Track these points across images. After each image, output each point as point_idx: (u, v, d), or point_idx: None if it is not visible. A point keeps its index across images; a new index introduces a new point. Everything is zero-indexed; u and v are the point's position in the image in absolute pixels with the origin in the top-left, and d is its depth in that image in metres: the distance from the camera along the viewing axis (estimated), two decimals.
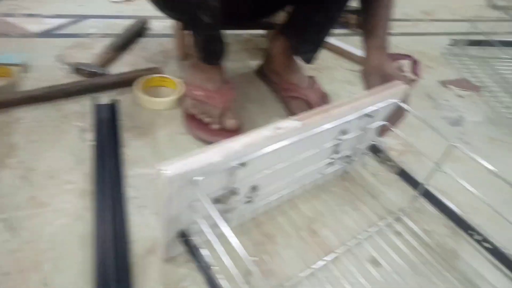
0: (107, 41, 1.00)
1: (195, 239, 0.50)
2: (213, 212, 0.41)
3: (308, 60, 0.89)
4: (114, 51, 0.95)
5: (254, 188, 0.55)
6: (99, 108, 0.79)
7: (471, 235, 0.59)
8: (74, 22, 1.07)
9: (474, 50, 1.24)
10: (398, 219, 0.66)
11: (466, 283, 0.59)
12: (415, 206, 0.69)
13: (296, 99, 0.87)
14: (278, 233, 0.62)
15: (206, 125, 0.78)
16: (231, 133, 0.77)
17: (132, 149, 0.73)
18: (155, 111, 0.82)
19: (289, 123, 0.50)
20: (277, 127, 0.49)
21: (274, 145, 0.49)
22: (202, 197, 0.43)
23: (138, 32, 1.05)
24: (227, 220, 0.55)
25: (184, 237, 0.51)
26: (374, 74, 0.71)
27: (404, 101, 0.66)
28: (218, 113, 0.78)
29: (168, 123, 0.80)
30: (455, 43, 1.26)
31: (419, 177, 0.67)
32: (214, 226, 0.43)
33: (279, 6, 0.94)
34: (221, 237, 0.42)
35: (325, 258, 0.58)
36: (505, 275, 0.57)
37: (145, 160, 0.71)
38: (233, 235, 0.39)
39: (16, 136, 0.71)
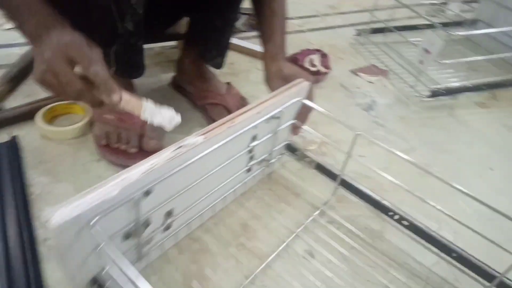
0: (1, 73, 0.91)
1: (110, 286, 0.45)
2: (119, 258, 0.36)
3: (218, 65, 0.89)
4: (8, 82, 0.87)
5: (169, 214, 0.52)
6: None
7: (391, 216, 0.62)
8: None
9: (378, 38, 1.32)
10: (323, 213, 0.68)
11: (395, 264, 0.61)
12: (337, 197, 0.70)
13: (215, 106, 0.86)
14: (205, 255, 0.59)
15: (123, 151, 0.74)
16: (150, 154, 0.74)
17: (40, 186, 0.67)
18: (63, 142, 0.76)
19: (191, 140, 0.48)
20: (178, 146, 0.47)
21: (178, 167, 0.46)
22: (104, 241, 0.38)
23: None
24: (145, 254, 0.52)
25: (97, 284, 0.46)
26: (276, 79, 0.72)
27: (308, 97, 0.67)
28: (135, 135, 0.74)
29: (79, 152, 0.75)
30: (360, 33, 1.33)
31: (338, 167, 0.68)
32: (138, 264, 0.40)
33: (176, 17, 0.92)
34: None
35: (256, 271, 0.57)
36: (426, 247, 0.60)
37: (57, 196, 0.66)
38: (144, 281, 0.35)
39: None
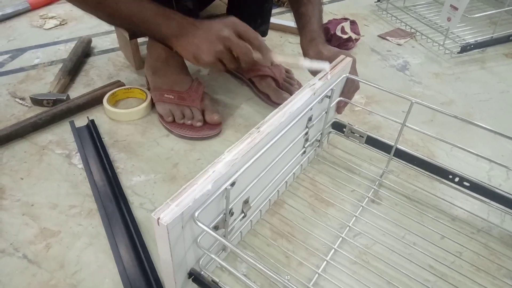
0: (56, 68, 0.97)
1: (208, 276, 0.49)
2: (224, 241, 0.40)
3: (264, 33, 0.93)
4: (67, 75, 0.93)
5: (246, 202, 0.55)
6: (78, 130, 0.78)
7: (451, 180, 0.65)
8: (13, 58, 1.02)
9: (399, 2, 1.35)
10: (381, 185, 0.70)
11: (467, 227, 0.67)
12: (392, 167, 0.73)
13: (263, 78, 0.90)
14: (283, 235, 0.61)
15: (189, 125, 0.79)
16: (215, 126, 0.80)
17: (123, 162, 0.73)
18: (130, 123, 0.82)
19: (269, 121, 0.53)
20: (255, 131, 0.51)
21: (256, 154, 0.49)
22: (207, 229, 0.41)
23: (84, 52, 1.03)
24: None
25: (195, 277, 0.49)
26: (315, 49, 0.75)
27: (352, 73, 0.70)
28: (197, 111, 0.80)
29: (148, 130, 0.81)
30: None
31: (387, 137, 0.72)
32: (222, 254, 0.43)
33: None
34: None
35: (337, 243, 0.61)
36: (491, 205, 0.63)
37: (140, 168, 0.72)
38: (252, 260, 0.39)
39: (1, 179, 0.69)
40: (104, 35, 1.15)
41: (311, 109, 0.61)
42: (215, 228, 0.50)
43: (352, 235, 0.62)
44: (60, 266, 0.56)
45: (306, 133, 0.65)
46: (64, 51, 1.06)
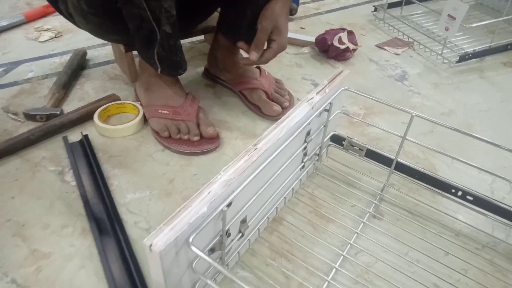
0: (50, 81, 0.95)
1: None
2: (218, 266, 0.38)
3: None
4: (61, 89, 0.91)
5: (243, 221, 0.54)
6: (71, 146, 0.76)
7: (454, 194, 0.63)
8: (7, 71, 1.01)
9: (396, 11, 1.35)
10: (382, 199, 0.69)
11: (472, 244, 0.65)
12: (393, 181, 0.72)
13: (253, 90, 0.89)
14: (277, 256, 0.59)
15: (186, 140, 0.78)
16: (213, 140, 0.79)
17: (117, 178, 0.71)
18: (124, 138, 0.81)
19: (267, 138, 0.51)
20: (254, 146, 0.50)
21: (253, 173, 0.48)
22: (202, 254, 0.39)
23: (79, 65, 1.02)
24: (226, 265, 0.54)
25: None
26: (270, 20, 0.75)
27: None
28: (193, 125, 0.79)
29: (143, 145, 0.79)
30: (377, 8, 1.36)
31: (387, 149, 0.70)
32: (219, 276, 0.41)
33: (209, 10, 0.96)
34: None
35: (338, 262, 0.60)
36: (496, 220, 0.62)
37: (135, 185, 0.70)
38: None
39: None
40: (100, 47, 1.14)
41: (309, 123, 0.60)
42: (211, 250, 0.48)
43: (354, 253, 0.60)
44: None
45: (305, 148, 0.64)
46: (59, 63, 1.05)
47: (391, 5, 1.37)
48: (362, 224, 0.64)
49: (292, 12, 1.35)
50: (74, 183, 0.70)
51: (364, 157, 0.71)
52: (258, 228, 0.59)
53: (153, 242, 0.38)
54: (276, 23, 0.76)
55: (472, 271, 0.58)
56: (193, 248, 0.40)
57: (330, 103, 0.63)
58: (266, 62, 0.80)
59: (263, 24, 0.75)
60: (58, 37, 1.18)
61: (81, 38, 1.17)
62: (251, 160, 0.48)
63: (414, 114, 0.61)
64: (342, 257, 0.58)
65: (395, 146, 0.80)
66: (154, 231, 0.39)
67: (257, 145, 0.51)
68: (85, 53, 1.06)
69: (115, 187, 0.70)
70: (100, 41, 1.15)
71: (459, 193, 0.64)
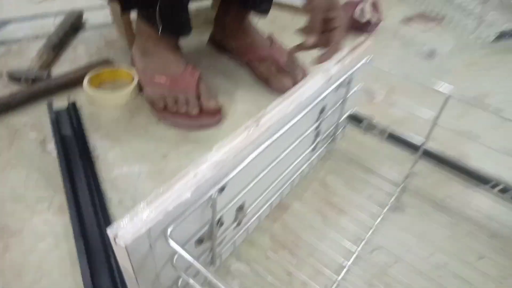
0: (40, 43, 0.87)
1: None
2: (201, 268, 0.29)
3: (265, 12, 0.82)
4: (51, 51, 0.83)
5: (240, 208, 0.45)
6: (56, 114, 0.68)
7: (490, 187, 0.54)
8: None
9: None
10: (404, 190, 0.59)
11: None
12: (418, 170, 0.61)
13: (262, 61, 0.80)
14: (280, 247, 0.52)
15: (184, 113, 0.69)
16: (214, 114, 0.70)
17: (104, 150, 0.63)
18: (116, 107, 0.72)
19: (271, 112, 0.42)
20: (255, 122, 0.41)
21: (253, 153, 0.39)
22: (181, 250, 0.31)
23: (74, 26, 0.93)
24: (218, 256, 0.46)
25: None
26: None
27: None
28: (193, 96, 0.70)
29: (136, 115, 0.71)
30: None
31: (412, 133, 0.60)
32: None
33: None
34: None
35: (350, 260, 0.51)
36: None
37: (124, 159, 0.62)
38: None
39: None
40: (99, 9, 1.04)
41: (324, 98, 0.50)
42: (200, 241, 0.40)
43: (369, 250, 0.51)
44: (17, 273, 0.47)
45: (318, 127, 0.54)
46: (52, 25, 0.95)
47: None
48: (381, 217, 0.55)
49: None
50: (56, 154, 0.62)
51: (386, 141, 0.62)
52: (259, 216, 0.51)
53: (119, 233, 0.29)
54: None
55: (511, 280, 0.49)
56: (171, 242, 0.31)
57: (350, 76, 0.54)
58: (339, 48, 0.62)
59: (315, 2, 0.63)
60: None
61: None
62: (251, 139, 0.39)
63: (449, 95, 0.51)
64: (355, 254, 0.50)
65: (421, 130, 0.70)
66: (121, 219, 0.31)
67: (259, 121, 0.41)
68: (80, 14, 0.97)
69: (101, 160, 0.62)
70: (98, 2, 1.05)
71: (496, 187, 0.54)
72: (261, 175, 0.45)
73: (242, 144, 0.39)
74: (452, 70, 0.89)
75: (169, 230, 0.32)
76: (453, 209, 0.57)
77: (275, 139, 0.42)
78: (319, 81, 0.48)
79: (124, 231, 0.30)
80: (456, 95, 0.50)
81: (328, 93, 0.50)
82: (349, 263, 0.49)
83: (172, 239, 0.32)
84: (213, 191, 0.36)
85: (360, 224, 0.54)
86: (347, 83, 0.55)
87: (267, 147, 0.41)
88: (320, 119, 0.54)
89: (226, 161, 0.37)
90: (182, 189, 0.33)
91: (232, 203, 0.42)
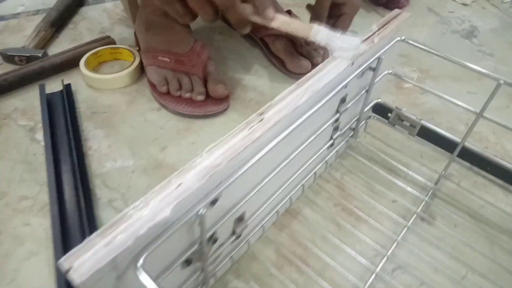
0: (40, 18, 0.81)
1: None
2: None
3: None
4: (50, 27, 0.76)
5: (240, 219, 0.38)
6: (48, 97, 0.62)
7: None
8: None
9: None
10: (435, 196, 0.51)
11: None
12: (451, 172, 0.54)
13: (278, 38, 0.71)
14: (292, 261, 0.45)
15: (188, 99, 0.62)
16: (220, 101, 0.62)
17: (98, 141, 0.57)
18: (114, 91, 0.66)
19: (280, 104, 0.34)
20: (259, 116, 0.33)
21: (260, 153, 0.32)
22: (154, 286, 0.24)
23: (76, 0, 0.86)
24: (212, 275, 0.39)
25: None
26: None
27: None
28: (199, 80, 0.63)
29: (136, 101, 0.64)
30: None
31: (445, 127, 0.51)
32: None
33: None
34: None
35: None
36: None
37: (118, 151, 0.56)
38: None
39: None
40: None
41: (345, 86, 0.42)
42: (187, 262, 0.34)
43: (391, 269, 0.44)
44: None
45: (337, 120, 0.46)
46: None
47: None
48: (406, 228, 0.47)
49: None
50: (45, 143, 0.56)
51: (416, 137, 0.53)
52: (262, 226, 0.44)
53: (74, 265, 0.23)
54: None
55: None
56: (142, 277, 0.25)
57: (378, 57, 0.45)
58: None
59: None
60: None
61: None
62: (252, 137, 0.32)
63: (501, 81, 0.42)
64: (373, 275, 0.43)
65: (456, 123, 0.61)
66: (80, 245, 0.24)
67: (264, 114, 0.34)
68: None
69: (93, 152, 0.56)
70: None
71: None
72: (266, 180, 0.37)
73: (240, 145, 0.31)
74: (495, 52, 0.78)
75: (140, 260, 0.26)
76: (491, 219, 0.49)
77: (284, 137, 0.35)
78: (340, 65, 0.40)
79: (81, 262, 0.23)
80: (510, 81, 0.41)
81: (350, 80, 0.42)
82: (367, 284, 0.42)
83: (146, 269, 0.25)
84: (201, 206, 0.29)
85: (381, 236, 0.47)
86: (375, 67, 0.46)
87: (273, 147, 0.34)
88: (340, 111, 0.46)
89: (219, 168, 0.30)
90: (159, 205, 0.27)
91: (229, 215, 0.35)
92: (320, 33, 0.41)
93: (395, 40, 0.47)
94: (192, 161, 0.30)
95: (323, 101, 0.38)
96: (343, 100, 0.45)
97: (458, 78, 0.70)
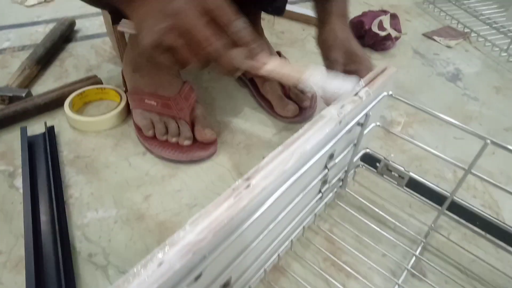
0: (26, 54, 0.80)
1: None
2: None
3: (279, 10, 0.72)
4: (35, 65, 0.75)
5: (225, 285, 0.37)
6: (30, 140, 0.60)
7: None
8: None
9: None
10: (425, 249, 0.51)
11: None
12: (442, 225, 0.54)
13: (267, 80, 0.71)
14: None
15: (174, 143, 0.61)
16: (208, 145, 0.61)
17: (79, 188, 0.56)
18: (99, 132, 0.64)
19: (266, 169, 0.33)
20: (245, 181, 0.32)
21: (247, 222, 0.32)
22: None
23: (63, 36, 0.86)
24: None
25: None
26: (338, 49, 0.56)
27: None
28: (186, 124, 0.62)
29: (121, 144, 0.63)
30: None
31: (433, 174, 0.51)
32: None
33: None
34: None
35: None
36: None
37: (100, 200, 0.54)
38: None
39: None
40: (94, 16, 0.97)
41: (334, 144, 0.41)
42: None
43: None
44: None
45: (325, 175, 0.46)
46: (42, 33, 0.89)
47: None
48: (397, 286, 0.46)
49: None
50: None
51: (405, 188, 0.52)
52: (249, 286, 0.42)
53: None
54: (348, 48, 0.57)
55: None
56: None
57: (366, 114, 0.45)
58: None
59: (333, 56, 0.56)
60: (48, 1, 1.02)
61: (74, 5, 1.00)
62: (239, 206, 0.31)
63: (488, 142, 0.42)
64: None
65: (444, 170, 0.61)
66: None
67: (251, 180, 0.33)
68: (72, 23, 0.90)
69: (74, 200, 0.54)
70: (95, 8, 0.98)
71: None
72: (253, 244, 0.36)
73: (226, 216, 0.30)
74: (480, 96, 0.79)
75: None
76: (482, 275, 0.48)
77: (271, 204, 0.34)
78: (327, 125, 0.39)
79: None
80: (495, 140, 0.41)
81: (339, 138, 0.42)
82: None
83: None
84: (184, 284, 0.28)
85: None
86: (363, 123, 0.46)
87: (260, 214, 0.33)
88: (329, 167, 0.45)
89: (203, 243, 0.28)
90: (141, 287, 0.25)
91: (214, 284, 0.34)
92: (312, 78, 0.41)
93: (382, 95, 0.46)
94: (176, 234, 0.28)
95: (310, 162, 0.38)
96: (331, 156, 0.44)
97: (444, 122, 0.71)
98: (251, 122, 0.69)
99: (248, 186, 0.32)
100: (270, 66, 0.42)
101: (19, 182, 0.56)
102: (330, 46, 0.57)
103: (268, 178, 0.33)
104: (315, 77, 0.41)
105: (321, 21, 0.60)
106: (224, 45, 0.40)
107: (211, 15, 0.40)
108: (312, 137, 0.37)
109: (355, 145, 0.48)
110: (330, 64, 0.57)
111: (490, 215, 0.47)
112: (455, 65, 0.88)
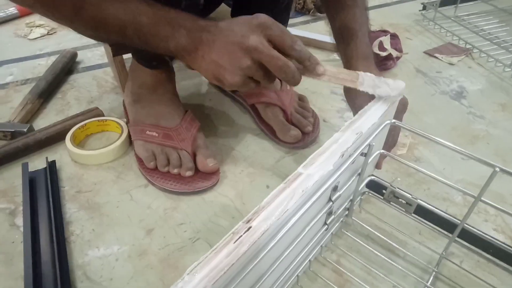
0: (29, 88, 0.80)
1: None
2: None
3: None
4: (37, 99, 0.76)
5: None
6: (31, 176, 0.60)
7: None
8: None
9: (449, 11, 1.12)
10: (437, 279, 0.49)
11: None
12: (453, 250, 0.52)
13: (269, 106, 0.71)
14: None
15: (176, 175, 0.60)
16: (210, 175, 0.61)
17: (81, 224, 0.55)
18: (101, 165, 0.64)
19: (267, 209, 0.32)
20: (245, 224, 0.31)
21: (249, 266, 0.31)
22: None
23: (65, 68, 0.86)
24: None
25: None
26: (362, 98, 0.52)
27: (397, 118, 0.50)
28: (187, 155, 0.61)
29: (122, 177, 0.62)
30: (426, 7, 1.14)
31: (441, 197, 0.49)
32: None
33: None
34: None
35: None
36: None
37: (101, 236, 0.53)
38: None
39: None
40: (96, 46, 0.98)
41: (337, 177, 0.40)
42: None
43: None
44: None
45: (330, 207, 0.44)
46: (44, 66, 0.89)
47: (443, 3, 1.14)
48: None
49: (321, 9, 1.15)
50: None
51: (413, 215, 0.51)
52: None
53: None
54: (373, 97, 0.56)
55: None
56: None
57: (369, 144, 0.44)
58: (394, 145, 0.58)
59: (357, 104, 0.54)
60: (51, 34, 1.04)
61: (76, 37, 1.00)
62: (239, 252, 0.30)
63: (497, 169, 0.40)
64: None
65: (453, 194, 0.59)
66: None
67: (251, 222, 0.32)
68: (74, 55, 0.91)
69: (75, 238, 0.53)
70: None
71: None
72: (258, 284, 0.35)
73: (226, 263, 0.29)
74: (486, 114, 0.78)
75: None
76: None
77: (274, 245, 0.33)
78: (330, 159, 0.38)
79: None
80: (504, 168, 0.40)
81: (342, 171, 0.40)
82: None
83: None
84: None
85: None
86: (366, 152, 0.45)
87: (263, 257, 0.32)
88: (333, 200, 0.44)
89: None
90: None
91: None
92: (366, 82, 0.45)
93: (384, 124, 0.46)
94: (173, 286, 0.27)
95: (314, 198, 0.37)
96: (335, 188, 0.43)
97: (451, 142, 0.69)
98: (253, 148, 0.68)
99: (249, 228, 0.31)
100: (330, 73, 0.46)
101: (20, 220, 0.55)
102: (356, 95, 0.54)
103: (270, 219, 0.32)
104: (367, 81, 0.45)
105: (345, 66, 0.57)
106: (290, 67, 0.44)
107: (275, 41, 0.44)
108: (314, 174, 0.36)
109: (359, 174, 0.47)
110: (356, 112, 0.55)
111: (503, 243, 0.46)
112: (459, 82, 0.87)
